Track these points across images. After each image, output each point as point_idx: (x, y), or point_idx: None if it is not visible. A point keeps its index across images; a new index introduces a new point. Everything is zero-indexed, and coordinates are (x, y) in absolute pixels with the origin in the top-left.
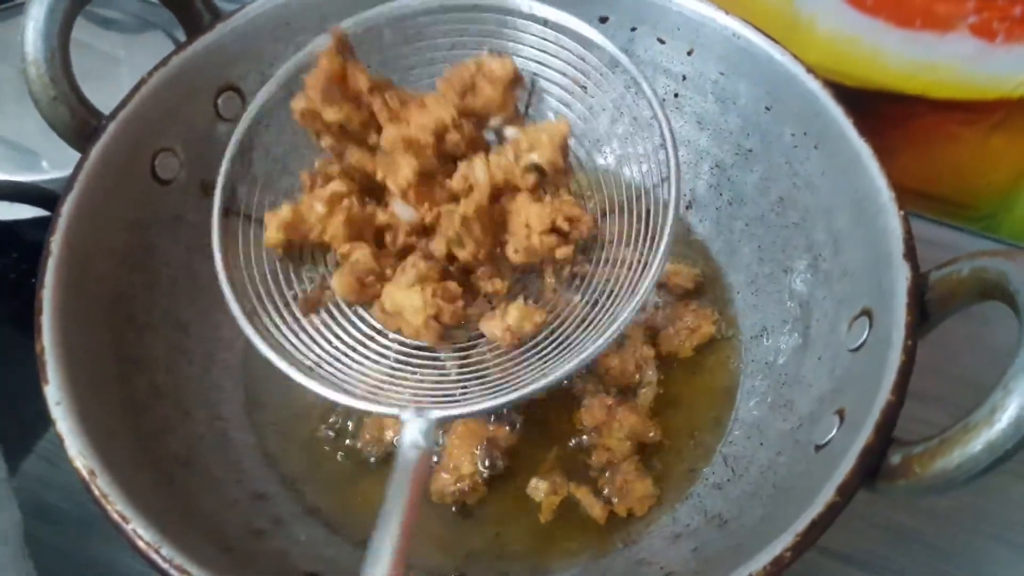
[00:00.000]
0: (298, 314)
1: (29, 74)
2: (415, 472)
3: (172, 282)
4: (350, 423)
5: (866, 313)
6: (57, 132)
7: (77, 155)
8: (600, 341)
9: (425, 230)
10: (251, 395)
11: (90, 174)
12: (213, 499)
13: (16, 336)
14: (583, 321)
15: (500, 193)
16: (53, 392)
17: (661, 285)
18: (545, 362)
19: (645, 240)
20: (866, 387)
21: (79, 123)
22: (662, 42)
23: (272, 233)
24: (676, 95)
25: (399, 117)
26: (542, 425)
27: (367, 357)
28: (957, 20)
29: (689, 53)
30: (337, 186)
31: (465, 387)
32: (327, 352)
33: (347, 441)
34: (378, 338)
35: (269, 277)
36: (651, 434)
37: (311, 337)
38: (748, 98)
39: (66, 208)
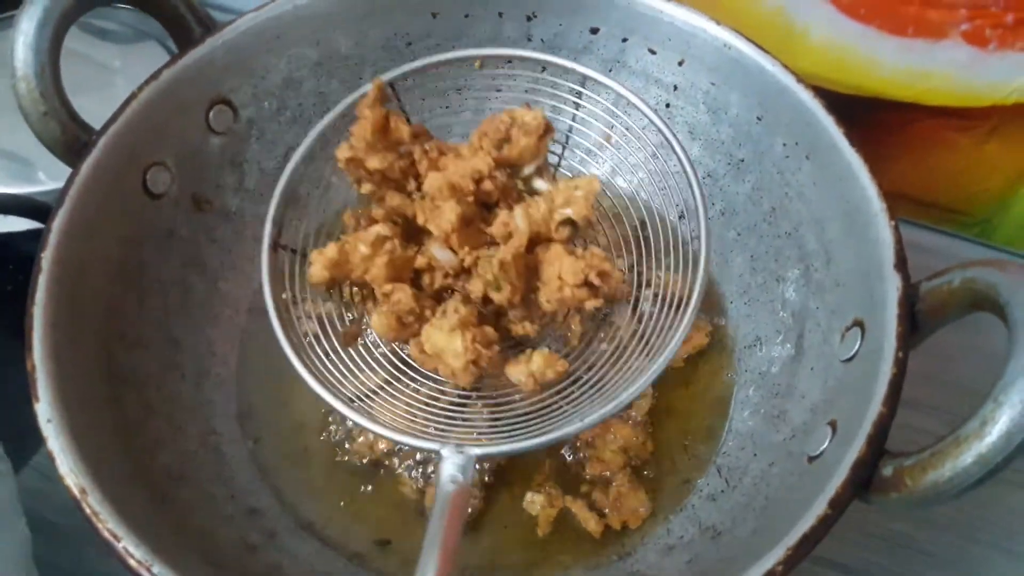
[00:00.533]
0: (338, 347)
1: (19, 89)
2: (453, 506)
3: (164, 297)
4: (342, 436)
5: (858, 324)
6: (48, 147)
7: None
8: (632, 389)
9: (462, 273)
10: (244, 409)
11: (81, 189)
12: (206, 514)
13: (12, 347)
14: (612, 366)
15: (535, 242)
16: (44, 409)
17: (654, 295)
18: (575, 405)
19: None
20: (858, 398)
21: (70, 138)
22: (653, 52)
23: (317, 270)
24: (668, 105)
25: (438, 165)
26: None
27: (402, 392)
28: (950, 28)
29: (680, 63)
30: (381, 229)
31: (496, 425)
32: (366, 385)
33: (342, 457)
34: (412, 374)
35: (313, 312)
36: (644, 445)
37: (351, 370)
38: (740, 108)
39: (57, 223)
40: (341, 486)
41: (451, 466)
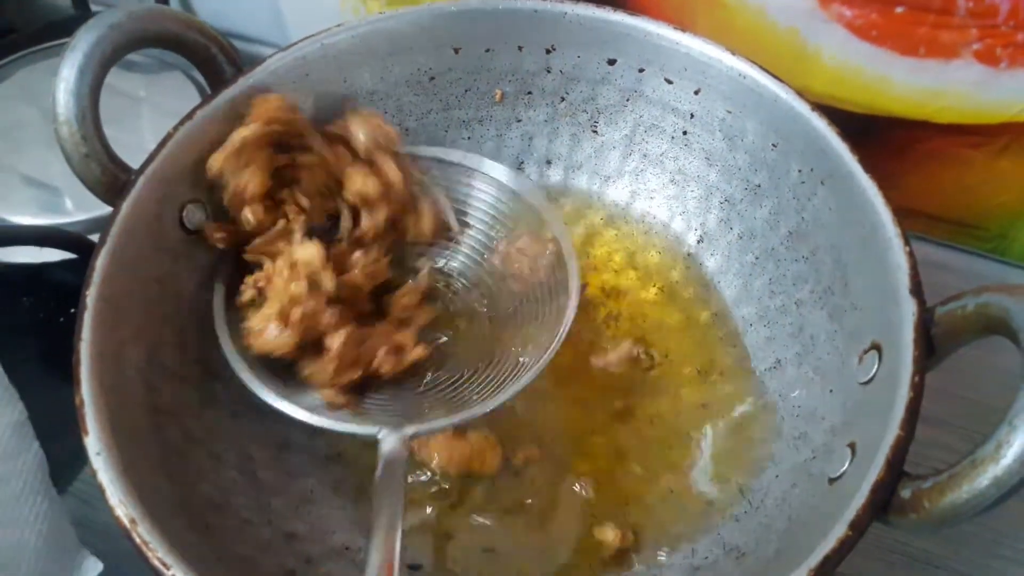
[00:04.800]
0: None
1: (61, 133)
2: (397, 476)
3: (201, 330)
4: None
5: (876, 347)
6: (88, 187)
7: None
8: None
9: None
10: (279, 439)
11: (121, 227)
12: (245, 541)
13: (45, 376)
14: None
15: None
16: (93, 443)
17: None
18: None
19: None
20: (877, 420)
21: (110, 178)
22: (670, 82)
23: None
24: (685, 132)
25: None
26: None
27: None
28: (961, 47)
29: (696, 92)
30: None
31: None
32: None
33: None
34: None
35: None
36: None
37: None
38: (755, 135)
39: (100, 261)
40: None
41: (391, 443)
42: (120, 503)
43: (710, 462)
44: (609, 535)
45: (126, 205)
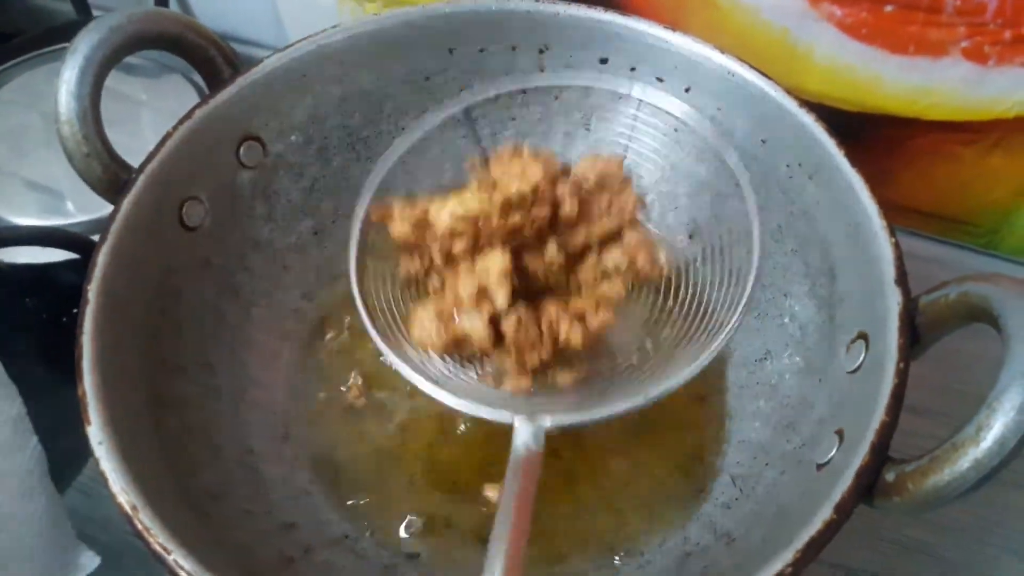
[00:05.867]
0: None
1: (63, 133)
2: (525, 472)
3: (200, 323)
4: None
5: (862, 337)
6: (90, 186)
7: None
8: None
9: None
10: (278, 429)
11: (122, 225)
12: (244, 530)
13: (48, 375)
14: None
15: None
16: (95, 432)
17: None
18: (638, 372)
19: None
20: (863, 408)
21: (111, 177)
22: (661, 80)
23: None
24: (676, 130)
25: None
26: None
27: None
28: (950, 45)
29: (687, 90)
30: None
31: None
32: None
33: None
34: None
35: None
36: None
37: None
38: (744, 132)
39: (101, 258)
40: (371, 501)
41: (525, 434)
42: (122, 490)
43: (701, 449)
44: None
45: (127, 203)
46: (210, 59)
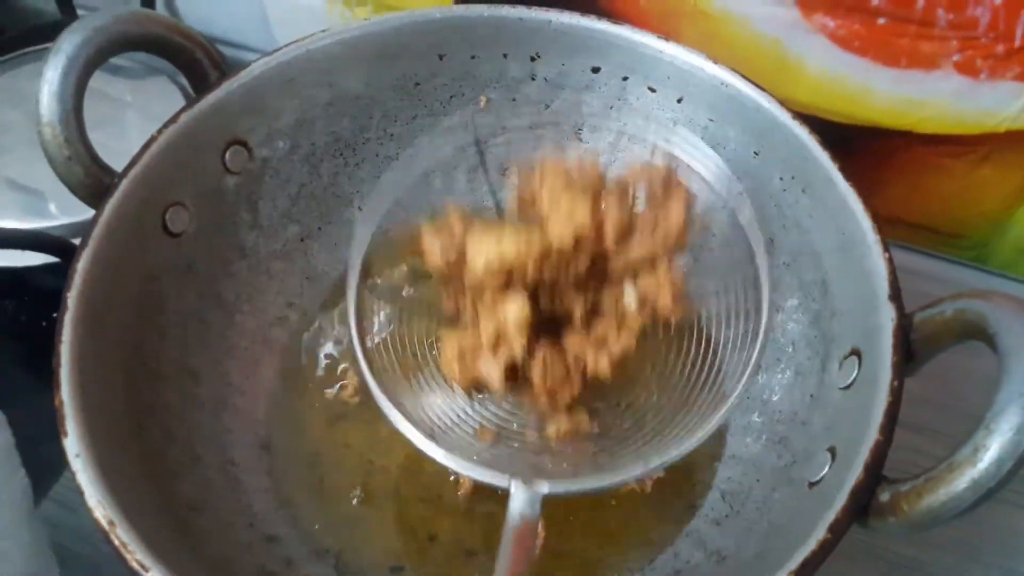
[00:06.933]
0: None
1: (44, 135)
2: (519, 542)
3: (183, 331)
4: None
5: (855, 353)
6: (71, 190)
7: None
8: (692, 440)
9: None
10: (261, 439)
11: (104, 230)
12: (225, 542)
13: (28, 379)
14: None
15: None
16: (72, 444)
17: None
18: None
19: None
20: (856, 425)
21: (93, 181)
22: (653, 91)
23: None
24: (668, 140)
25: None
26: None
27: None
28: (942, 58)
29: (679, 101)
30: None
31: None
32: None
33: (355, 490)
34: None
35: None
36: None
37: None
38: (737, 143)
39: (82, 264)
40: (355, 514)
41: (520, 500)
42: (99, 504)
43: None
44: None
45: (109, 207)
46: (196, 62)
